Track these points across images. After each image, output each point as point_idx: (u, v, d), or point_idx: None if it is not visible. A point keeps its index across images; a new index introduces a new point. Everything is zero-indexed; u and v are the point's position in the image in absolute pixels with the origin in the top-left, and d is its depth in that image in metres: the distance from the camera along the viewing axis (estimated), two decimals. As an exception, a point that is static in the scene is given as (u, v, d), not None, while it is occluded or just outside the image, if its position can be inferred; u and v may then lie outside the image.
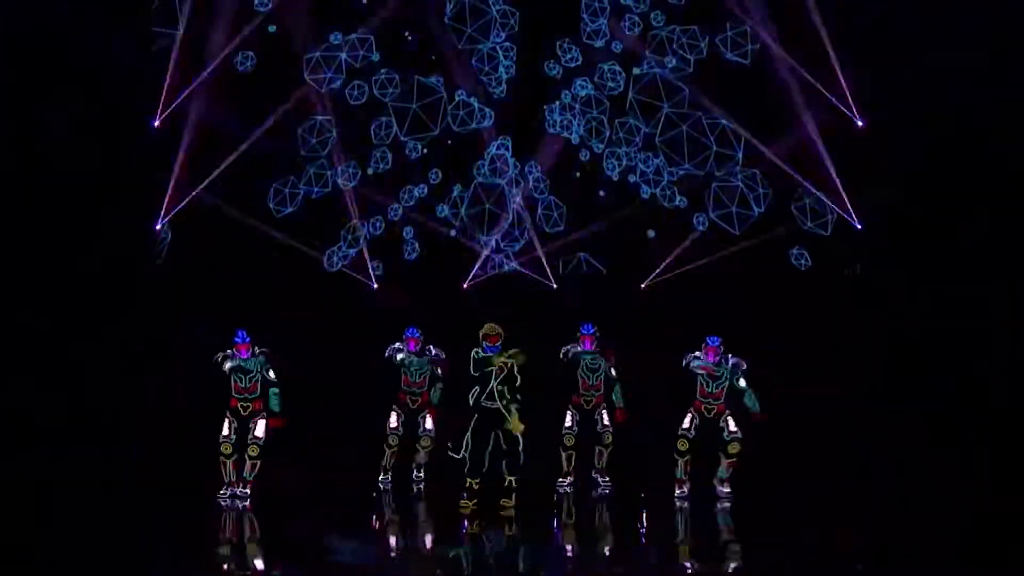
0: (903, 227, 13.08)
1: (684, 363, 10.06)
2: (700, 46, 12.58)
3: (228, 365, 9.82)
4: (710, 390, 9.95)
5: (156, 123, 12.80)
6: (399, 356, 10.55)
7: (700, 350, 10.05)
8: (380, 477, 10.70)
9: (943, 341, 12.61)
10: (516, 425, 9.72)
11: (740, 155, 12.18)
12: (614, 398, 10.54)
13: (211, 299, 12.68)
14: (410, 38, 13.59)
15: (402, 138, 13.54)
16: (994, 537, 8.38)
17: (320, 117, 13.62)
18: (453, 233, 13.76)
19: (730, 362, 9.98)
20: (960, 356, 12.56)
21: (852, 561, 8.01)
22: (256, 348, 9.96)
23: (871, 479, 11.12)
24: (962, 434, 11.88)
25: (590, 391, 10.57)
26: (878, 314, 13.04)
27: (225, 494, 9.79)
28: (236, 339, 9.91)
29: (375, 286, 13.71)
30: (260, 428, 9.81)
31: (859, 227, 13.18)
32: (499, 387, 9.77)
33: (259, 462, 9.80)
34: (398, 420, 10.68)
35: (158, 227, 12.90)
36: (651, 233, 13.39)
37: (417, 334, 10.68)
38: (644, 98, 12.45)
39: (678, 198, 13.26)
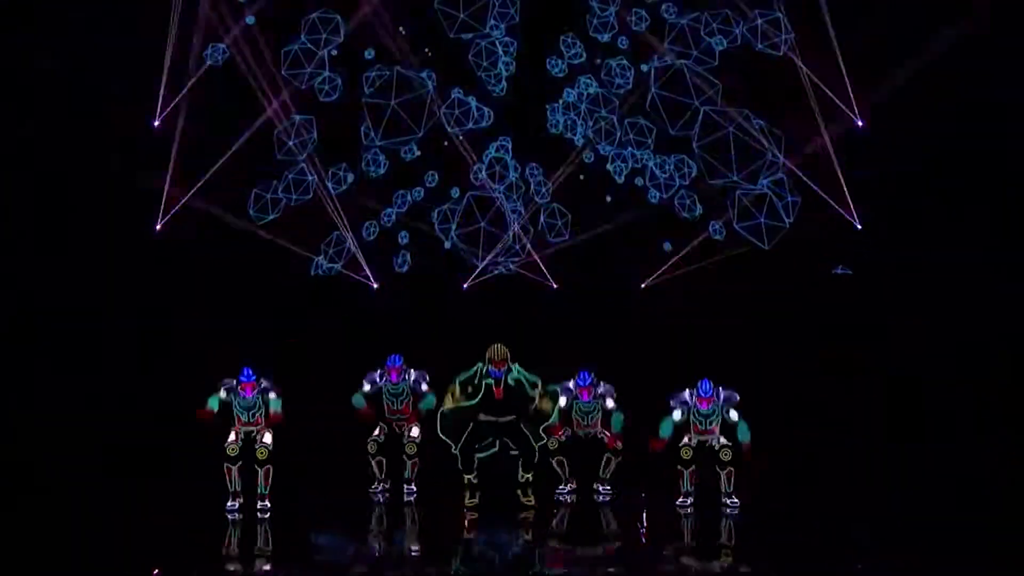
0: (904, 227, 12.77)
1: (673, 406, 9.73)
2: (734, 33, 11.33)
3: (222, 397, 9.69)
4: (703, 427, 9.59)
5: (156, 123, 11.88)
6: (366, 388, 10.32)
7: (688, 394, 9.70)
8: (372, 487, 10.37)
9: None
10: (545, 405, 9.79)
11: (781, 160, 10.89)
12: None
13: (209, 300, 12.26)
14: (403, 32, 12.60)
15: (377, 141, 12.55)
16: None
17: (299, 117, 12.57)
18: (447, 245, 12.86)
19: (721, 396, 9.64)
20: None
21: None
22: (261, 381, 9.79)
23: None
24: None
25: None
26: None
27: (234, 506, 9.61)
28: (242, 378, 9.72)
29: (375, 286, 12.85)
30: (268, 436, 9.71)
31: (859, 227, 12.84)
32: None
33: (271, 467, 9.61)
34: (381, 431, 10.35)
35: None
36: (667, 245, 12.64)
37: (399, 363, 10.32)
38: (668, 94, 11.25)
39: (698, 207, 12.39)
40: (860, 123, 12.64)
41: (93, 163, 11.80)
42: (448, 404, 9.79)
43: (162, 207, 12.17)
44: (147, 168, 11.96)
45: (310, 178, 12.62)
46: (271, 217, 12.51)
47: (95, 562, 8.11)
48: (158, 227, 12.28)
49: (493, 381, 9.69)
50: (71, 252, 12.03)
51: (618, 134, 12.11)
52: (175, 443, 10.87)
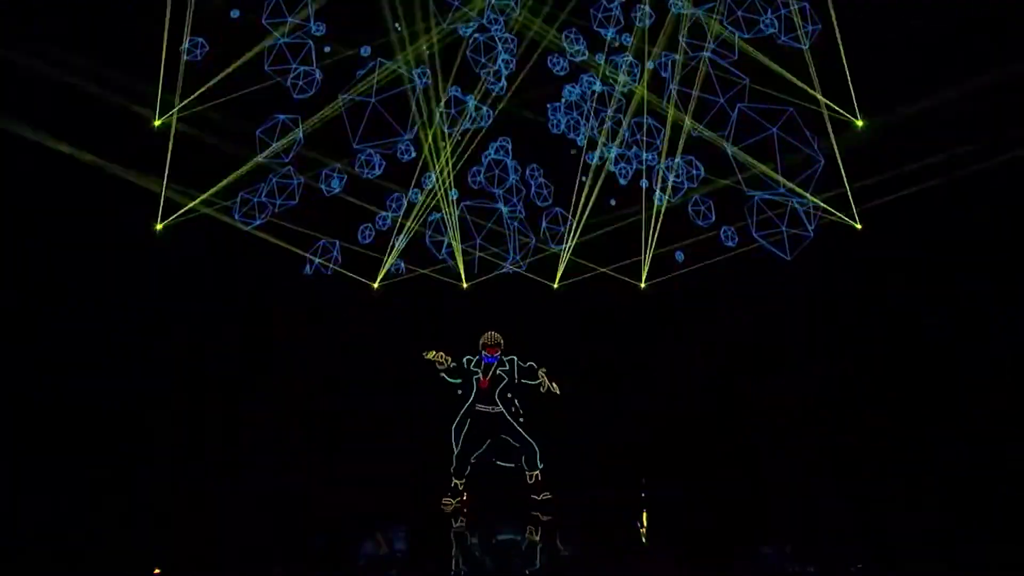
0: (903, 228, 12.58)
1: None
2: (763, 20, 10.37)
3: None
4: None
5: (156, 122, 11.28)
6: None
7: None
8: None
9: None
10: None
11: (821, 164, 9.89)
12: None
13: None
14: (399, 28, 11.88)
15: (355, 145, 11.82)
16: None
17: (283, 116, 11.78)
18: (440, 256, 12.21)
19: None
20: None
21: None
22: None
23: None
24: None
25: None
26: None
27: None
28: None
29: (375, 286, 12.19)
30: None
31: (859, 227, 12.60)
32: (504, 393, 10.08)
33: None
34: None
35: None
36: (679, 256, 12.11)
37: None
38: (690, 90, 10.41)
39: (713, 214, 11.71)
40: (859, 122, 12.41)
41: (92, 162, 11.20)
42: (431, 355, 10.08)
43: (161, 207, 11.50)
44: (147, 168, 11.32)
45: (295, 182, 11.85)
46: (257, 222, 11.71)
47: (95, 562, 8.07)
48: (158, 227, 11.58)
49: (482, 370, 10.08)
50: (70, 252, 11.46)
51: (624, 134, 11.54)
52: (174, 442, 10.90)
